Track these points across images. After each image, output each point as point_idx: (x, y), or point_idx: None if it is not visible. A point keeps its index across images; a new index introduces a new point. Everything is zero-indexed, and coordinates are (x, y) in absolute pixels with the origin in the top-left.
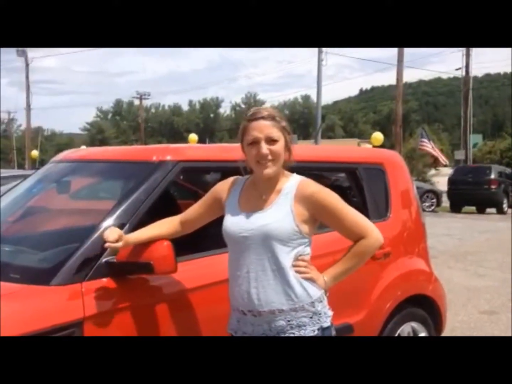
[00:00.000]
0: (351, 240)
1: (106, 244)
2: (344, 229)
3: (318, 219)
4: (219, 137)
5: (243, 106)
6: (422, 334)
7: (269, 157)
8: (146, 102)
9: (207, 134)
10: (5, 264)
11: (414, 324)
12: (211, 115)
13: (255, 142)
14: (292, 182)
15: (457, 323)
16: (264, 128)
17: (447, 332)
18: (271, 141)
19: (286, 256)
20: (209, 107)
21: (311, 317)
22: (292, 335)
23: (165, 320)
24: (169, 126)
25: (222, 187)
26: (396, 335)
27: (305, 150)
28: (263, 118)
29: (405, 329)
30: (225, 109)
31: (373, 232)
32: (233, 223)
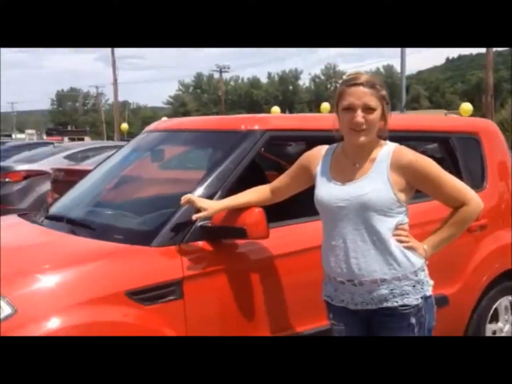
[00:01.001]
0: (451, 207)
1: (193, 216)
2: (444, 197)
3: (416, 187)
4: (299, 110)
5: (322, 77)
6: None
7: (364, 126)
8: (226, 75)
9: (286, 106)
10: (108, 226)
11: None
12: (290, 87)
13: (351, 109)
14: (386, 150)
15: None
16: (362, 95)
17: None
18: (367, 109)
19: (385, 226)
20: (288, 79)
21: (414, 286)
22: (395, 303)
23: (256, 284)
24: (249, 98)
25: (311, 157)
26: (493, 308)
27: (396, 119)
28: (362, 84)
29: (503, 303)
30: (304, 81)
31: (474, 198)
32: (327, 193)
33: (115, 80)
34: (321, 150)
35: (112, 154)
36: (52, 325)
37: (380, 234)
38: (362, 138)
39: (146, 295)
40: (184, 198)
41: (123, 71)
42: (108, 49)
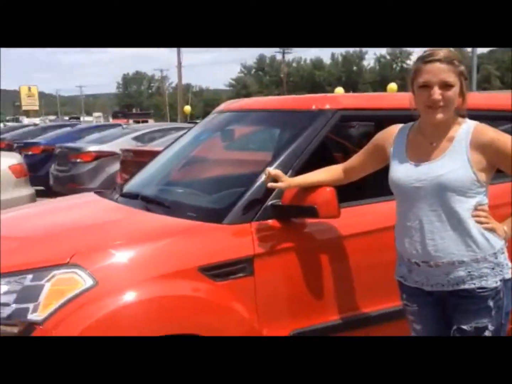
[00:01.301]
0: None
1: (269, 184)
2: None
3: (497, 166)
4: (362, 91)
5: (388, 57)
6: None
7: (441, 103)
8: (288, 57)
9: (350, 87)
10: (181, 204)
11: None
12: (354, 68)
13: (427, 86)
14: (465, 128)
15: None
16: (439, 71)
17: None
18: (445, 86)
19: (464, 207)
20: (352, 59)
21: (493, 268)
22: (473, 285)
23: (326, 264)
24: (311, 80)
25: (385, 136)
26: None
27: (473, 97)
28: (439, 60)
29: None
30: (368, 62)
31: None
32: (403, 173)
33: (179, 63)
34: (396, 128)
35: (182, 135)
36: (128, 298)
37: (458, 215)
38: (440, 116)
39: (217, 271)
40: (266, 172)
41: (186, 54)
42: None
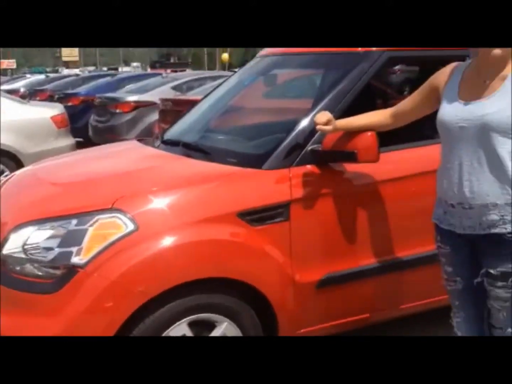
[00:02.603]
0: None
1: (318, 127)
2: None
3: None
4: None
5: None
6: None
7: None
8: None
9: None
10: (221, 150)
11: None
12: None
13: None
14: None
15: None
16: None
17: None
18: None
19: (506, 149)
20: None
21: None
22: (504, 230)
23: (365, 209)
24: None
25: (441, 75)
26: None
27: None
28: None
29: None
30: None
31: None
32: (450, 112)
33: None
34: (451, 67)
35: (224, 81)
36: (167, 242)
37: (498, 157)
38: (497, 51)
39: (255, 216)
40: (317, 120)
41: None
42: None
